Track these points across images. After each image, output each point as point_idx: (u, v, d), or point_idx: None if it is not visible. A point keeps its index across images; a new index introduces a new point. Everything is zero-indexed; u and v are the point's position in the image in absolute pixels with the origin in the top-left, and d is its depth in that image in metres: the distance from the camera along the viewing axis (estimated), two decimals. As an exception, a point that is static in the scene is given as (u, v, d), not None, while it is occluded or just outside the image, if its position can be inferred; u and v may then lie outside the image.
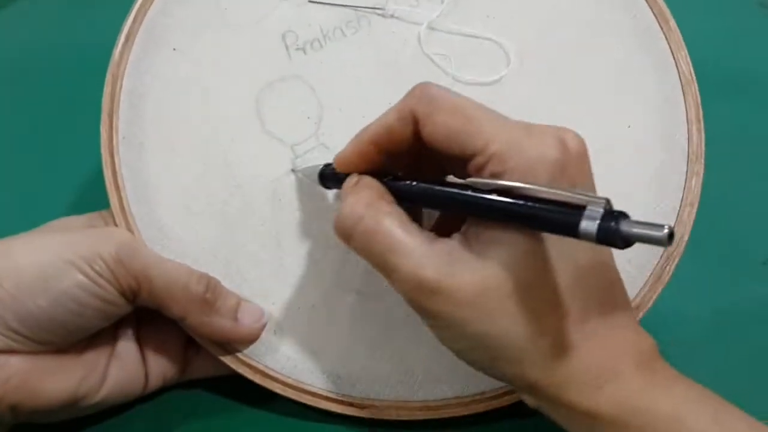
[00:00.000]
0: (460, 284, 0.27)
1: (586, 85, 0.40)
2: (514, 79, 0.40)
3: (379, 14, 0.41)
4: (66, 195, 0.48)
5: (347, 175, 0.33)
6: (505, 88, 0.40)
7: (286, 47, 0.40)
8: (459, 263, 0.28)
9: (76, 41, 0.55)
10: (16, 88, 0.53)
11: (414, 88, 0.31)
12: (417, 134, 0.30)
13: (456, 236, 0.29)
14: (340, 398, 0.36)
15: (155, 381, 0.37)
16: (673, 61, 0.40)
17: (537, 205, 0.25)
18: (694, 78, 0.40)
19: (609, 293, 0.29)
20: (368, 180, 0.32)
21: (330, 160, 0.35)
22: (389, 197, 0.31)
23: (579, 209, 0.24)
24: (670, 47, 0.41)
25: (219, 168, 0.38)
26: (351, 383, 0.37)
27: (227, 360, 0.36)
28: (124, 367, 0.36)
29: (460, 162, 0.29)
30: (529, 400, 0.30)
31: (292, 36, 0.40)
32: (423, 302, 0.28)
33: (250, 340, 0.36)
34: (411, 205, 0.32)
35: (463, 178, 0.29)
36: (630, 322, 0.30)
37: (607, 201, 0.24)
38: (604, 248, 0.29)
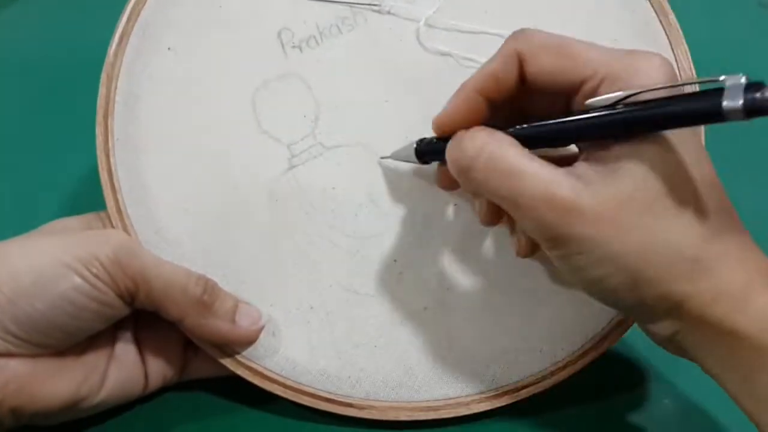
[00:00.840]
0: (597, 199, 0.27)
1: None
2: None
3: (375, 11, 0.40)
4: (64, 195, 0.47)
5: (447, 142, 0.32)
6: None
7: (282, 45, 0.39)
8: (592, 181, 0.27)
9: (75, 42, 0.54)
10: (15, 88, 0.53)
11: (512, 34, 0.31)
12: (520, 78, 0.31)
13: (578, 163, 0.29)
14: (340, 399, 0.36)
15: (155, 382, 0.37)
16: (672, 56, 0.40)
17: (674, 102, 0.25)
18: (695, 73, 0.40)
19: (731, 212, 0.29)
20: (479, 126, 0.31)
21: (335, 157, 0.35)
22: None
23: (714, 94, 0.24)
24: (669, 42, 0.40)
25: (215, 169, 0.38)
26: (351, 384, 0.36)
27: (226, 362, 0.36)
28: (123, 368, 0.36)
29: (563, 100, 0.30)
30: (667, 328, 0.29)
31: (287, 33, 0.39)
32: (558, 224, 0.27)
33: (248, 342, 0.36)
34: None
35: None
36: (754, 245, 0.29)
37: (746, 76, 0.24)
38: (714, 172, 0.29)
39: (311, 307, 0.37)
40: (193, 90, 0.38)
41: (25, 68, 0.54)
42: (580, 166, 0.28)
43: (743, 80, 0.23)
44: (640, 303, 0.28)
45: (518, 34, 0.31)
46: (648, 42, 0.40)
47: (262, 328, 0.36)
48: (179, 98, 0.38)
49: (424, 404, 0.36)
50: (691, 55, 0.40)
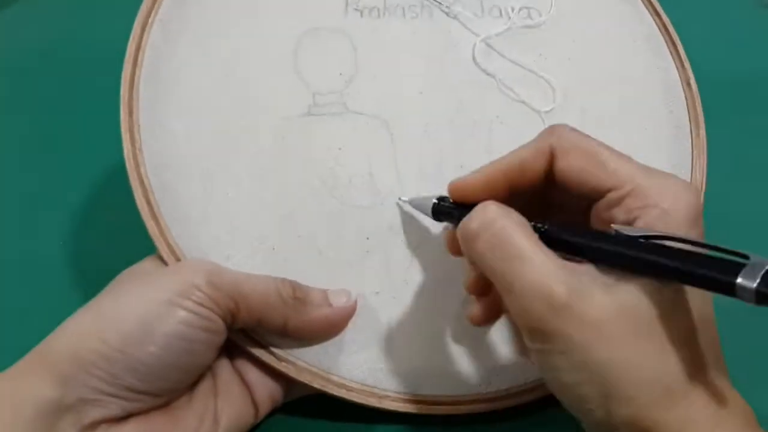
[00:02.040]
0: (591, 305, 0.26)
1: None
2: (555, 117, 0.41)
3: (443, 10, 0.41)
4: (66, 196, 0.47)
5: (467, 209, 0.31)
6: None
7: (346, 3, 0.40)
8: (592, 285, 0.27)
9: (77, 41, 0.55)
10: (17, 88, 0.53)
11: (550, 128, 0.32)
12: (547, 173, 0.31)
13: (587, 264, 0.28)
14: (269, 347, 0.35)
15: (264, 407, 0.36)
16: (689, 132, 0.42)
17: (693, 260, 0.25)
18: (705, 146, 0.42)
19: (718, 351, 0.29)
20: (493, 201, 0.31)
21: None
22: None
23: (732, 266, 0.23)
24: (692, 151, 0.42)
25: (238, 85, 0.38)
26: None
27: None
28: (233, 403, 0.35)
29: (583, 202, 0.31)
30: None
31: None
32: (546, 319, 0.27)
33: (349, 319, 0.36)
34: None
35: (585, 221, 0.31)
36: (729, 384, 0.29)
37: None
38: (711, 307, 0.29)
39: (273, 248, 0.36)
40: (248, 5, 0.39)
41: (30, 67, 0.54)
42: (588, 266, 0.28)
43: (765, 268, 0.23)
44: (606, 420, 0.28)
45: (552, 130, 0.31)
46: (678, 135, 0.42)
47: (356, 302, 0.36)
48: (232, 7, 0.39)
49: (340, 381, 0.35)
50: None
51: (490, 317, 0.35)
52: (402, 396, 0.36)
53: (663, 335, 0.27)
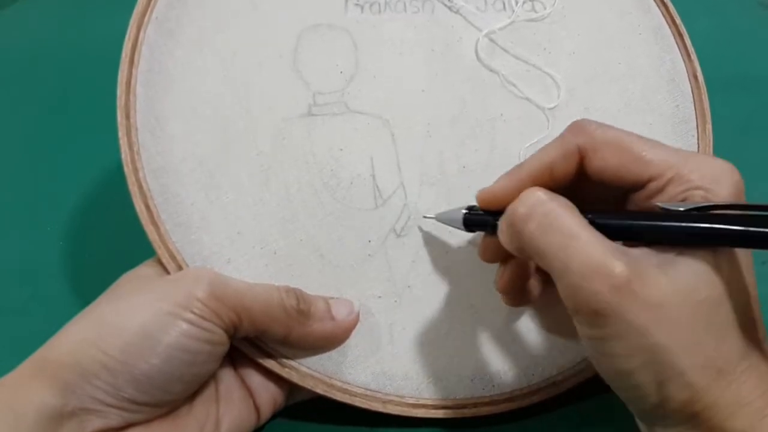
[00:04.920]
0: (651, 285, 0.26)
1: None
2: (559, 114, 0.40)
3: (445, 4, 0.40)
4: (66, 196, 0.47)
5: (499, 214, 0.30)
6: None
7: None
8: (649, 265, 0.26)
9: (76, 41, 0.54)
10: (17, 88, 0.53)
11: (574, 125, 0.30)
12: (578, 171, 0.30)
13: (638, 247, 0.27)
14: (273, 355, 0.35)
15: (266, 410, 0.36)
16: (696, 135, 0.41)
17: (754, 222, 0.25)
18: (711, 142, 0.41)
19: (762, 325, 0.28)
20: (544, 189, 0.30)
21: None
22: None
23: None
24: (698, 147, 0.41)
25: (237, 85, 0.37)
26: None
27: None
28: (234, 408, 0.35)
29: (620, 190, 0.30)
30: None
31: None
32: (605, 300, 0.26)
33: (350, 331, 0.36)
34: None
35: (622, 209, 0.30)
36: None
37: None
38: (755, 283, 0.28)
39: (274, 252, 0.36)
40: (246, 4, 0.38)
41: (30, 67, 0.54)
42: (640, 248, 0.27)
43: None
44: (659, 405, 0.27)
45: (579, 129, 0.30)
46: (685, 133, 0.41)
47: (358, 314, 0.36)
48: (231, 6, 0.38)
49: (343, 386, 0.35)
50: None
51: (519, 303, 0.35)
52: (405, 400, 0.36)
53: (720, 316, 0.26)
